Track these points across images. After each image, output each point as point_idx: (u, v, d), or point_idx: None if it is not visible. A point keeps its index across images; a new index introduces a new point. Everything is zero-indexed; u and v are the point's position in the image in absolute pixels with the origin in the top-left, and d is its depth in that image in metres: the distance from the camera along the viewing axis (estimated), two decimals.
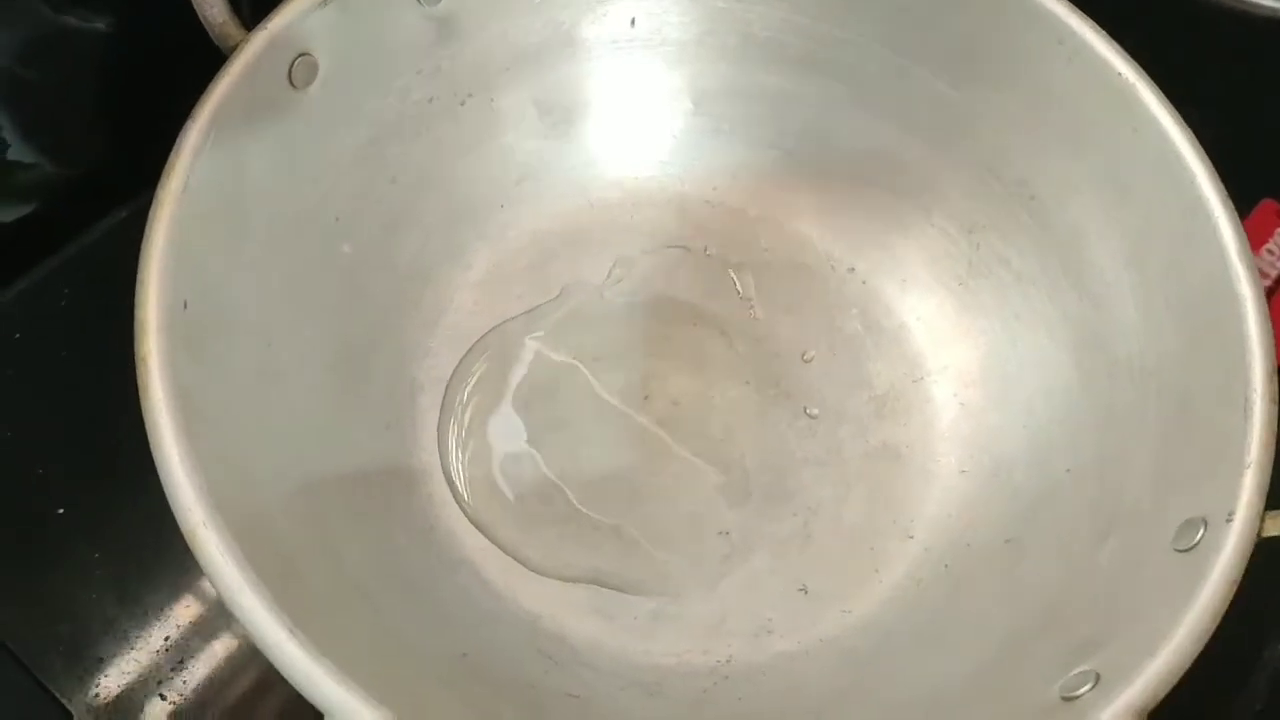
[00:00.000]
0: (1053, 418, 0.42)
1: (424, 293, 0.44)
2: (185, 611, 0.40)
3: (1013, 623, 0.37)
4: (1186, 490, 0.35)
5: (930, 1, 0.42)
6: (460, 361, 0.44)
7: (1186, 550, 0.33)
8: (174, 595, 0.40)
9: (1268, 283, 0.51)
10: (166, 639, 0.40)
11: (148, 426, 0.30)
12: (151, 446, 0.30)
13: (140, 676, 0.39)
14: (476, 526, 0.41)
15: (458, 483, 0.42)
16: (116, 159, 0.48)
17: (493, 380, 0.44)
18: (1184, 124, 0.38)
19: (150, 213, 0.33)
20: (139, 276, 0.32)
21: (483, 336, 0.45)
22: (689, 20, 0.46)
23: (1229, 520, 0.32)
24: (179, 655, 0.39)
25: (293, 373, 0.37)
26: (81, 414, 0.43)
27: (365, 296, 0.42)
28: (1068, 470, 0.40)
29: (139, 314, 0.31)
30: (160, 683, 0.39)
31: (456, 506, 0.41)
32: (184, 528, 0.29)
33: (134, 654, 0.39)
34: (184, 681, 0.39)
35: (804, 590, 0.41)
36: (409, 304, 0.44)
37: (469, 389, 0.44)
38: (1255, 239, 0.51)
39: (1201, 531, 0.33)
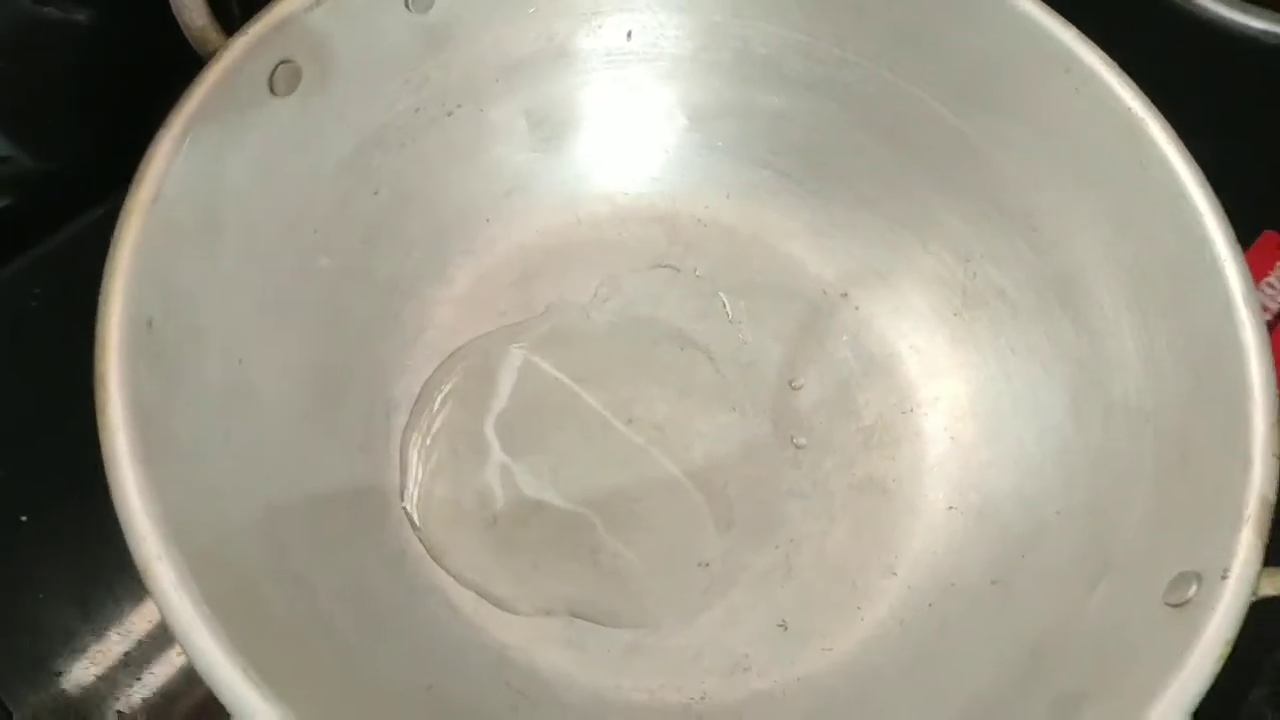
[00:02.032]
0: (1045, 456, 0.41)
1: (404, 309, 0.43)
2: (146, 625, 0.39)
3: (998, 668, 0.36)
4: (1182, 541, 0.34)
5: (934, 25, 0.41)
6: (432, 375, 0.43)
7: (1179, 605, 0.32)
8: (136, 608, 0.39)
9: (1268, 316, 0.50)
10: (126, 654, 0.39)
11: (104, 450, 0.29)
12: (107, 471, 0.29)
13: (97, 691, 0.38)
14: (433, 557, 0.39)
15: (411, 508, 0.40)
16: (94, 156, 0.47)
17: (465, 397, 0.43)
18: (1193, 161, 0.37)
19: (117, 223, 0.32)
20: (102, 291, 0.31)
21: (457, 349, 0.44)
22: (685, 35, 0.45)
23: (1224, 578, 0.31)
24: (137, 671, 0.39)
25: (264, 392, 0.36)
26: (49, 419, 0.42)
27: (343, 312, 0.41)
28: (1058, 511, 0.39)
29: (100, 331, 0.30)
30: (117, 698, 0.38)
31: (428, 529, 0.40)
32: (138, 560, 0.28)
33: (92, 668, 0.38)
34: (141, 698, 0.38)
35: (783, 626, 0.40)
36: (388, 320, 0.43)
37: (436, 405, 0.43)
38: (1256, 271, 0.50)
39: (1195, 587, 0.32)
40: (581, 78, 0.46)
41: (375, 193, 0.42)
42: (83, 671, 0.38)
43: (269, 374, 0.37)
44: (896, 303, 0.46)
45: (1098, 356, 0.40)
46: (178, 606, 0.27)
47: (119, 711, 0.38)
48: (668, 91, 0.46)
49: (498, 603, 0.39)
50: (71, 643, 0.39)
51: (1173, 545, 0.34)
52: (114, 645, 0.39)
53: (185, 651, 0.27)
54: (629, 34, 0.45)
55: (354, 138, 0.40)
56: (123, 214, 0.32)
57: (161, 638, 0.39)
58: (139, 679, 0.38)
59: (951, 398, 0.44)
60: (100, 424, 0.29)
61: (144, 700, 0.38)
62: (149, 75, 0.41)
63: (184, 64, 0.35)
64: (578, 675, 0.38)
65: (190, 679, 0.39)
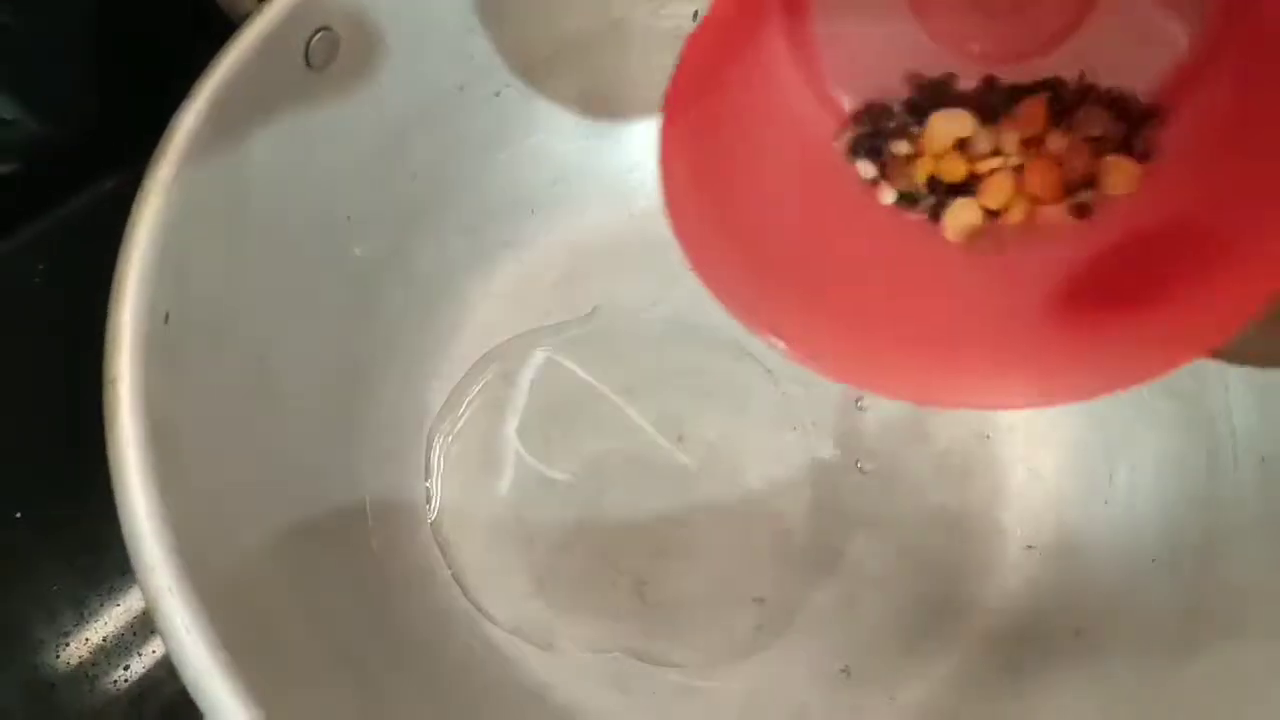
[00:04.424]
0: (1137, 496, 0.38)
1: (440, 305, 0.41)
2: (149, 638, 0.37)
3: None
4: None
5: None
6: (463, 377, 0.40)
7: None
8: (137, 616, 0.37)
9: None
10: (126, 668, 0.37)
11: (112, 464, 0.26)
12: (115, 489, 0.26)
13: (87, 684, 0.36)
14: (464, 587, 0.36)
15: (440, 527, 0.38)
16: (107, 123, 0.44)
17: (498, 403, 0.40)
18: None
19: (134, 207, 0.29)
20: (115, 282, 0.28)
21: (491, 349, 0.41)
22: None
23: None
24: (138, 688, 0.37)
25: (289, 394, 0.34)
26: (50, 408, 0.39)
27: (375, 307, 0.38)
28: (1154, 560, 0.36)
29: (112, 328, 0.27)
30: (106, 690, 0.36)
31: (461, 548, 0.37)
32: (146, 592, 0.25)
33: (89, 685, 0.36)
34: (139, 713, 0.36)
35: (846, 672, 0.37)
36: (423, 316, 0.40)
37: (466, 411, 0.40)
38: None
39: None
40: (641, 60, 0.42)
41: (414, 177, 0.39)
42: (79, 688, 0.36)
43: (294, 375, 0.34)
44: None
45: (1201, 389, 0.36)
46: (191, 650, 0.24)
47: None
48: None
49: (535, 638, 0.36)
50: (65, 654, 0.37)
51: None
52: (113, 659, 0.37)
53: (194, 696, 0.24)
54: (695, 14, 0.42)
55: (393, 116, 0.37)
56: (140, 195, 0.29)
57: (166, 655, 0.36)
58: (141, 697, 0.37)
59: (1032, 424, 0.41)
60: (109, 436, 0.26)
61: (130, 690, 0.37)
62: (169, 38, 0.38)
63: (209, 27, 0.32)
64: (622, 718, 0.35)
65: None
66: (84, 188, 0.43)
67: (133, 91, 0.42)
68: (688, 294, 0.42)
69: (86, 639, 0.37)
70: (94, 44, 0.43)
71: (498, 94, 0.40)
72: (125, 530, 0.25)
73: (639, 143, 0.43)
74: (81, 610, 0.37)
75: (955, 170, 0.28)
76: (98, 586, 0.37)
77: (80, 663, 0.36)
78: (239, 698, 0.24)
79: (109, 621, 0.37)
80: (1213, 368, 0.36)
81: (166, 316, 0.28)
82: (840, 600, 0.38)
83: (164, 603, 0.25)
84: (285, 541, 0.31)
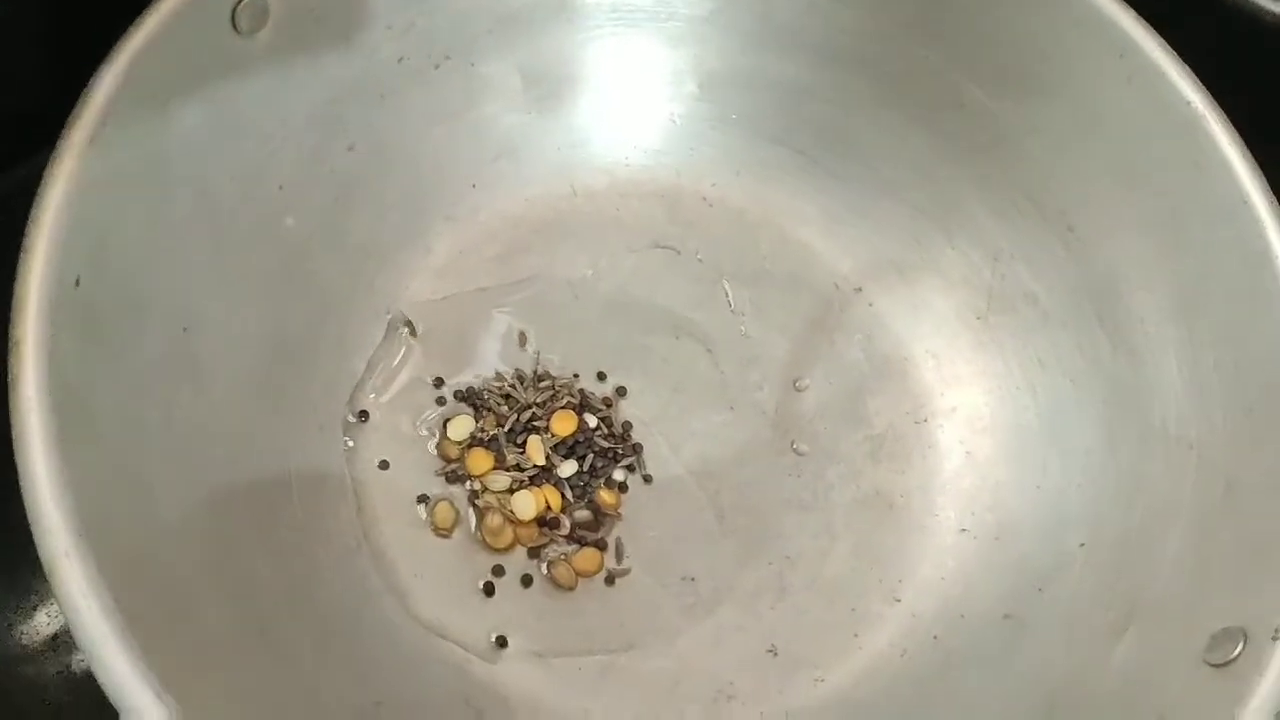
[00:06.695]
0: (1070, 481, 0.38)
1: (376, 277, 0.40)
2: None
3: (1007, 714, 0.34)
4: (1225, 592, 0.31)
5: None
6: (384, 339, 0.40)
7: (1221, 665, 0.29)
8: None
9: None
10: (54, 636, 0.37)
11: (14, 427, 0.25)
12: (16, 451, 0.25)
13: (22, 670, 0.36)
14: (383, 576, 0.36)
15: (364, 499, 0.37)
16: (49, 95, 0.43)
17: (426, 368, 0.40)
18: (1256, 166, 0.34)
19: (46, 170, 0.28)
20: (24, 243, 0.27)
21: (419, 304, 0.40)
22: None
23: (1275, 637, 0.28)
24: (72, 677, 0.36)
25: (213, 365, 0.33)
26: None
27: (307, 278, 0.38)
28: (1082, 544, 0.36)
29: (18, 288, 0.27)
30: (43, 677, 0.36)
31: (389, 522, 0.37)
32: (44, 557, 0.24)
33: (17, 649, 0.36)
34: (65, 678, 0.36)
35: (773, 652, 0.37)
36: (358, 289, 0.39)
37: (394, 375, 0.39)
38: None
39: (1241, 645, 0.29)
40: (584, 34, 0.42)
41: (350, 149, 0.38)
42: (7, 652, 0.36)
43: (219, 345, 0.33)
44: (915, 302, 0.43)
45: (1135, 375, 0.37)
46: (87, 619, 0.24)
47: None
48: (678, 55, 0.43)
49: (458, 617, 0.36)
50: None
51: (1214, 595, 0.31)
52: (41, 626, 0.37)
53: (93, 670, 0.24)
54: None
55: (328, 86, 0.37)
56: (54, 156, 0.28)
57: None
58: (65, 659, 0.36)
59: (970, 409, 0.41)
60: (12, 397, 0.26)
61: (68, 680, 0.36)
62: (111, 11, 0.37)
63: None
64: (545, 696, 0.35)
65: None
66: (24, 160, 0.42)
67: (74, 65, 0.41)
68: (628, 272, 0.42)
69: (22, 614, 0.37)
70: (34, 17, 0.42)
71: (438, 66, 0.40)
72: (25, 493, 0.25)
73: (581, 119, 0.43)
74: (14, 588, 0.37)
75: None
76: (32, 567, 0.37)
77: (13, 647, 0.36)
78: (139, 672, 0.23)
79: (46, 604, 0.37)
80: (1149, 351, 0.36)
81: (77, 281, 0.28)
82: (771, 581, 0.38)
83: (60, 567, 0.24)
84: (205, 513, 0.31)
